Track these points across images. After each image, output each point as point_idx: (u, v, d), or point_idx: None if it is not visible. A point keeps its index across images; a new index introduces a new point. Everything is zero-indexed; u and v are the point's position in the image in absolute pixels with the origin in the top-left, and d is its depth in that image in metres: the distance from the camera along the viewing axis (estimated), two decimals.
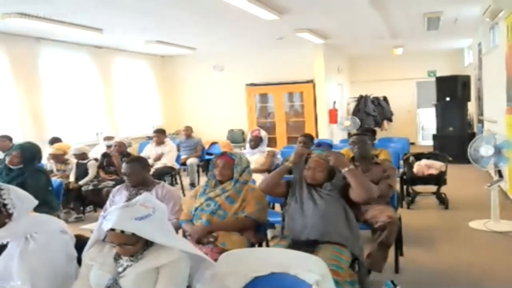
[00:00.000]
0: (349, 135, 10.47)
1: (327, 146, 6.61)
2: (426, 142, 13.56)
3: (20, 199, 2.50)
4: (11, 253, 2.41)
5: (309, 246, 2.80)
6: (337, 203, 3.04)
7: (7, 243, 2.44)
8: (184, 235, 3.31)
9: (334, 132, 11.60)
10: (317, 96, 11.34)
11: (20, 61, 8.05)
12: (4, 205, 2.42)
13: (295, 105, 12.04)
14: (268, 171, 5.74)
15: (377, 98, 13.66)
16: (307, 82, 11.27)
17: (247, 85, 11.63)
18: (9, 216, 2.42)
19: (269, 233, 4.09)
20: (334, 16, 7.81)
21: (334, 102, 11.84)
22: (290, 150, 6.54)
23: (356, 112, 13.24)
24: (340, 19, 8.09)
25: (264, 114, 12.15)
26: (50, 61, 8.74)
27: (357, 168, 4.22)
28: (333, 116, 11.56)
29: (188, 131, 9.06)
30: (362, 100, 13.49)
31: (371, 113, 13.29)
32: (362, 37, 10.16)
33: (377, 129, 10.31)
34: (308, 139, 5.87)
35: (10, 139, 6.77)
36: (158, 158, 7.52)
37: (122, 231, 2.11)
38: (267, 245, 3.74)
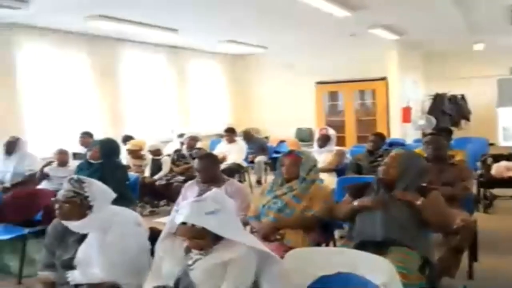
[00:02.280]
0: (424, 134, 10.14)
1: (400, 146, 6.44)
2: (507, 143, 12.81)
3: (100, 192, 2.65)
4: (91, 243, 2.57)
5: (377, 247, 2.76)
6: (409, 205, 2.96)
7: (88, 233, 2.61)
8: (251, 231, 3.37)
9: (408, 132, 11.25)
10: (390, 94, 11.05)
11: (101, 61, 8.47)
12: (86, 197, 2.58)
13: (366, 103, 11.80)
14: (336, 170, 5.69)
15: (454, 96, 13.09)
16: (380, 79, 11.01)
17: (317, 83, 11.55)
18: (90, 208, 2.58)
19: (337, 233, 4.06)
20: (410, 12, 7.57)
21: (408, 100, 11.50)
22: (360, 149, 6.45)
23: (432, 110, 12.75)
24: (416, 15, 7.83)
25: (333, 112, 12.01)
26: (128, 61, 9.14)
27: (431, 169, 4.10)
28: (406, 114, 11.22)
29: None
30: (438, 98, 12.98)
31: (448, 111, 12.77)
32: (440, 33, 9.76)
33: (453, 128, 9.89)
34: (379, 139, 5.73)
35: (91, 135, 7.16)
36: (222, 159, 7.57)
37: (193, 225, 2.20)
38: (334, 245, 3.72)
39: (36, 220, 4.37)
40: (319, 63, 11.47)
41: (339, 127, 10.92)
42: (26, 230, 4.20)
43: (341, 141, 9.48)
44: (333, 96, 11.94)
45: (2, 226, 4.36)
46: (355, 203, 3.09)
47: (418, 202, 2.90)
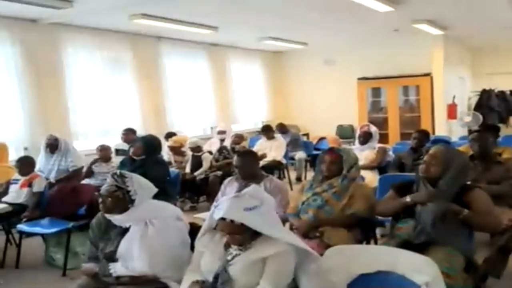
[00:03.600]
0: (470, 131, 9.83)
1: (444, 143, 6.26)
2: None
3: (142, 187, 2.70)
4: (132, 236, 2.62)
5: (419, 247, 2.69)
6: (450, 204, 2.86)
7: (129, 226, 2.66)
8: (291, 228, 3.35)
9: (453, 129, 10.94)
10: (434, 90, 10.75)
11: (143, 59, 8.60)
12: (128, 191, 2.63)
13: (410, 99, 11.53)
14: (378, 168, 5.60)
15: (502, 92, 12.62)
16: (424, 75, 10.73)
17: (359, 79, 11.37)
18: (132, 202, 2.64)
19: (378, 231, 4.00)
20: (455, 6, 7.34)
21: (454, 97, 11.18)
22: (403, 147, 6.32)
23: (478, 107, 12.37)
24: (462, 8, 7.59)
25: (376, 109, 11.80)
26: (170, 59, 9.25)
27: (477, 167, 3.98)
28: (452, 111, 10.91)
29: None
30: (485, 94, 12.56)
31: (495, 108, 12.34)
32: (488, 27, 9.43)
33: (501, 125, 9.54)
34: (423, 136, 5.60)
35: (134, 132, 7.29)
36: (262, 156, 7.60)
37: (232, 221, 2.21)
38: (376, 243, 3.65)
39: (79, 214, 4.51)
40: (361, 59, 11.30)
41: (382, 124, 10.73)
42: (70, 224, 4.34)
43: (383, 138, 9.34)
44: (376, 92, 11.72)
45: (47, 220, 4.52)
46: (408, 199, 2.97)
47: (461, 216, 2.78)
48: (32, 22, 6.78)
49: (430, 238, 2.76)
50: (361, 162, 4.64)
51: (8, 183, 5.03)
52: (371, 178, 4.92)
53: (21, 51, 6.66)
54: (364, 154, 5.68)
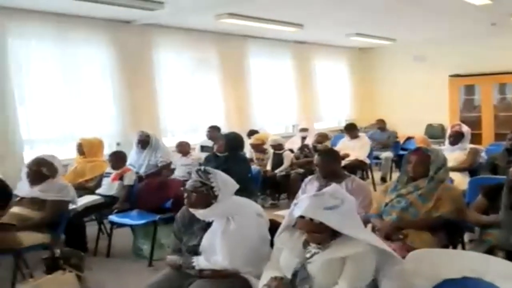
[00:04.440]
0: None
1: None
2: None
3: (225, 183, 2.78)
4: (215, 231, 2.70)
5: (509, 253, 2.52)
6: None
7: (212, 221, 2.74)
8: (373, 230, 3.27)
9: None
10: None
11: (229, 58, 8.76)
12: (212, 187, 2.72)
13: (506, 98, 10.82)
14: (469, 170, 5.31)
15: None
16: None
17: (451, 76, 10.85)
18: (215, 197, 2.72)
19: (467, 236, 3.80)
20: None
21: None
22: (498, 148, 5.93)
23: None
24: None
25: (469, 107, 11.18)
26: (254, 58, 9.35)
27: None
28: None
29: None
30: None
31: None
32: None
33: None
34: None
35: (218, 129, 7.47)
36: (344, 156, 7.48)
37: (311, 219, 2.20)
38: (463, 249, 3.47)
39: (166, 207, 4.70)
40: (453, 55, 10.74)
41: (475, 123, 10.14)
42: (157, 217, 4.53)
43: (476, 138, 8.83)
44: (469, 90, 11.11)
45: (136, 212, 4.77)
46: (484, 217, 2.87)
47: None
48: (126, 24, 7.15)
49: None
50: (451, 164, 4.42)
51: (101, 176, 5.37)
52: (460, 181, 4.66)
53: (116, 51, 7.02)
54: (454, 155, 5.41)
